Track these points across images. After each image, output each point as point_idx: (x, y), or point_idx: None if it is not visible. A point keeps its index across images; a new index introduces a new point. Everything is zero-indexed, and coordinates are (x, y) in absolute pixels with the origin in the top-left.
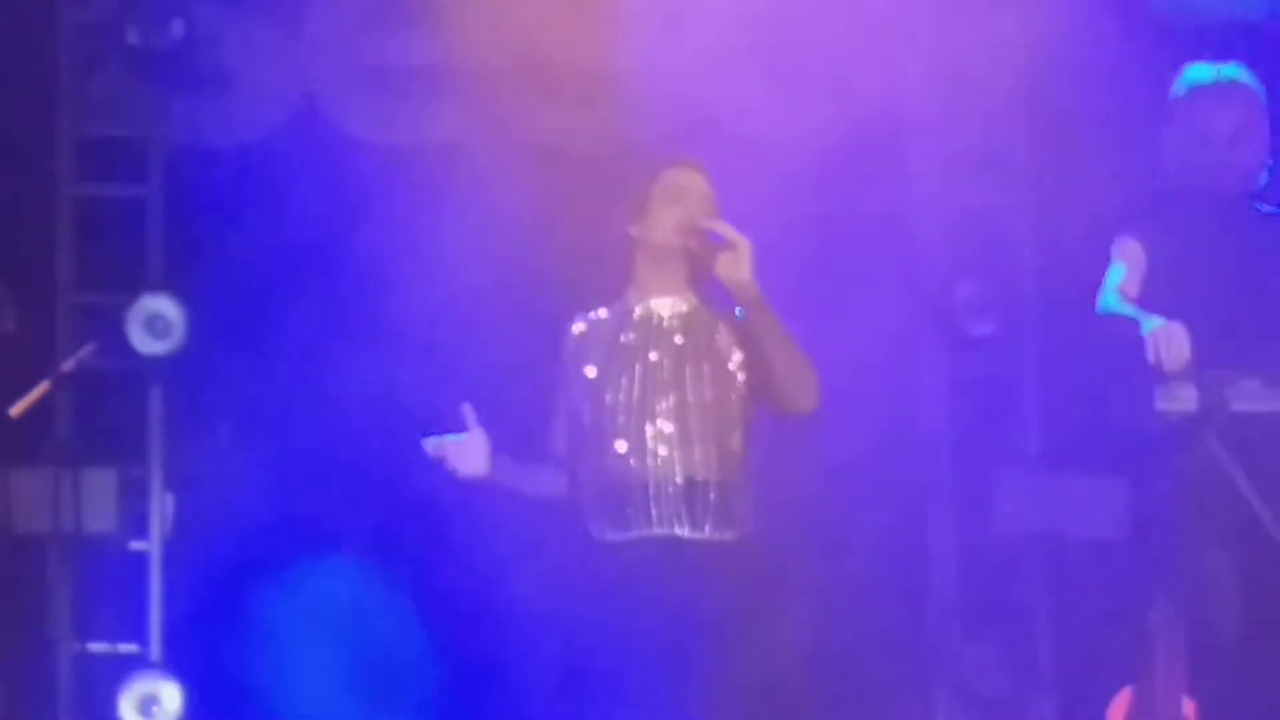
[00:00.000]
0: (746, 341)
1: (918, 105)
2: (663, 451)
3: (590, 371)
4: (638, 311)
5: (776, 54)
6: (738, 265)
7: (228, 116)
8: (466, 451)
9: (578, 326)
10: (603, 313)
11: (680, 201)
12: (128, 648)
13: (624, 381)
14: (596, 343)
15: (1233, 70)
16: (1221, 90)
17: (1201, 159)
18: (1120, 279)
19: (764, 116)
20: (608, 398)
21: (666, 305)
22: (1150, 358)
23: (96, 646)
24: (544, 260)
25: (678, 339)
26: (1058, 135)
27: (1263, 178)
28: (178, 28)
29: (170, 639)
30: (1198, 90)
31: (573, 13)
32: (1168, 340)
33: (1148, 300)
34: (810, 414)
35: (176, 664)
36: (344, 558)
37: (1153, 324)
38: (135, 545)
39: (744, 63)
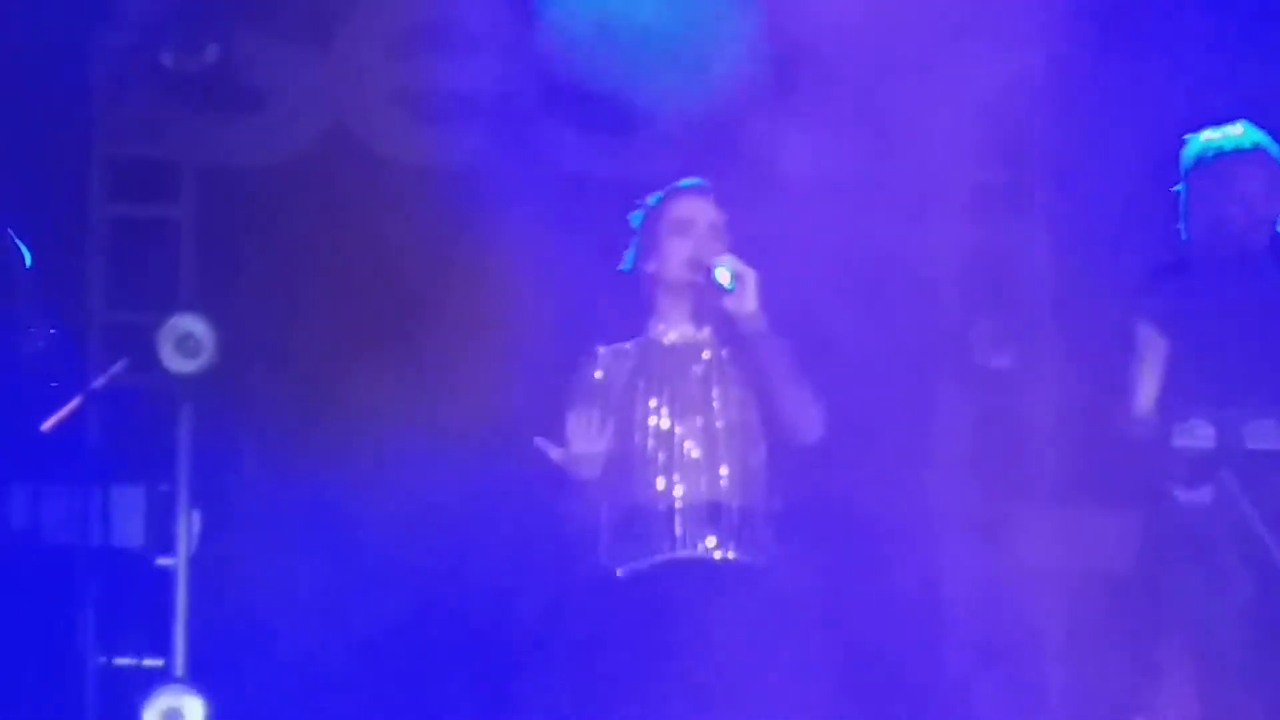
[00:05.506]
0: (751, 372)
1: (938, 141)
2: (689, 473)
3: (615, 399)
4: (663, 340)
5: (799, 91)
6: (743, 297)
7: (259, 137)
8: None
9: (598, 361)
10: (626, 345)
11: (689, 235)
12: (152, 662)
13: (651, 406)
14: (620, 372)
15: (1251, 133)
16: (1246, 154)
17: (1233, 218)
18: (1141, 367)
19: (786, 152)
20: (635, 423)
21: (690, 332)
22: None
23: (122, 660)
24: (569, 286)
25: (702, 364)
26: (1075, 170)
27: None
28: (211, 51)
29: (194, 654)
30: (1225, 155)
31: (602, 41)
32: None
33: (1174, 360)
34: (810, 444)
35: (200, 679)
36: (367, 575)
37: None
38: (162, 561)
39: (768, 98)
